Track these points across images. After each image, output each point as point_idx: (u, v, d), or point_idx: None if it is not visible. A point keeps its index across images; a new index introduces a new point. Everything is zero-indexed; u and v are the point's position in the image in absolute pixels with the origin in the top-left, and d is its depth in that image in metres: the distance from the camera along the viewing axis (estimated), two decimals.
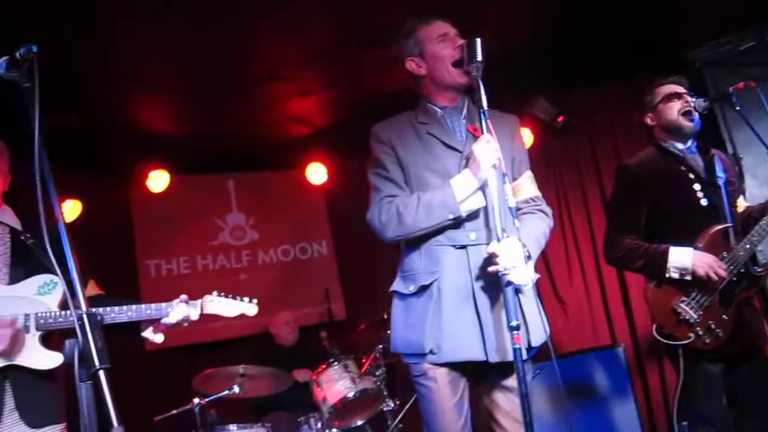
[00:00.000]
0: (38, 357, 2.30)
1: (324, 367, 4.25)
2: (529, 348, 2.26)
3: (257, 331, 5.67)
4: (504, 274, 2.09)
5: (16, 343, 2.26)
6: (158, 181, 5.82)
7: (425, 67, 2.41)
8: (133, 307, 2.40)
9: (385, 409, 4.14)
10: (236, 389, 4.18)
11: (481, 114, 2.24)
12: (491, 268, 2.12)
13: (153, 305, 2.43)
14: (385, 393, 4.16)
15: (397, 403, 4.15)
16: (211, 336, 5.71)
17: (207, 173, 6.30)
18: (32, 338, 2.30)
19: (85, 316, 1.37)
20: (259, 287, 5.97)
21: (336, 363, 4.22)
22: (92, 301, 2.52)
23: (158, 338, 2.50)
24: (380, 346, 4.24)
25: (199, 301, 2.54)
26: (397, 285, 2.39)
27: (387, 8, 3.83)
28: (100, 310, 2.36)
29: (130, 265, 5.84)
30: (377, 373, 4.21)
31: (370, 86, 5.07)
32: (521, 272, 2.15)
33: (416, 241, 2.34)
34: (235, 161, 6.23)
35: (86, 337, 1.35)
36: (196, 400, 4.08)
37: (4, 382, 2.27)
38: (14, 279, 2.37)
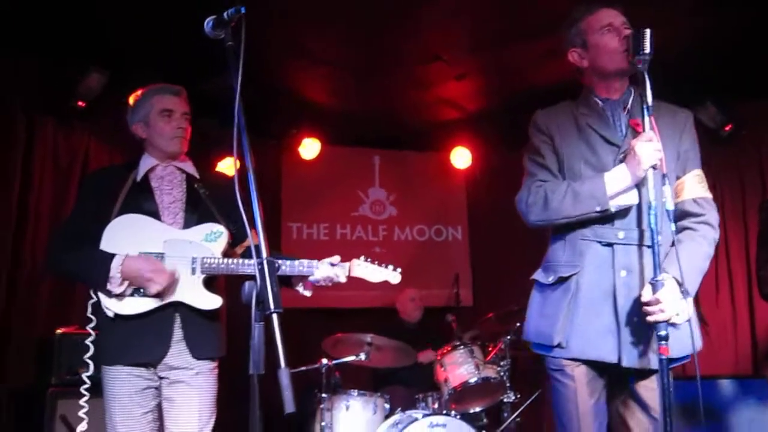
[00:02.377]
0: (200, 298, 2.49)
1: (449, 349, 4.28)
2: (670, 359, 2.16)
3: (383, 304, 5.80)
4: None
5: (172, 285, 2.44)
6: (310, 148, 6.04)
7: (587, 59, 2.32)
8: (287, 262, 2.52)
9: (505, 400, 4.13)
10: (362, 357, 4.27)
11: (645, 109, 2.15)
12: (650, 318, 2.05)
13: (305, 262, 2.54)
14: (508, 384, 4.14)
15: (518, 396, 4.11)
16: (340, 303, 5.89)
17: (355, 146, 6.49)
18: (197, 280, 2.49)
19: (265, 263, 1.49)
20: (392, 263, 6.05)
21: (462, 347, 4.24)
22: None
23: (308, 293, 2.63)
24: (508, 338, 4.21)
25: (347, 264, 2.61)
26: (538, 274, 2.38)
27: None
28: None
29: (274, 224, 6.11)
30: (501, 364, 4.17)
31: (525, 78, 4.99)
32: (680, 315, 2.09)
33: (562, 232, 2.31)
34: (383, 137, 6.38)
35: (264, 282, 1.47)
36: (324, 361, 4.22)
37: (174, 315, 2.48)
38: (187, 224, 2.58)
